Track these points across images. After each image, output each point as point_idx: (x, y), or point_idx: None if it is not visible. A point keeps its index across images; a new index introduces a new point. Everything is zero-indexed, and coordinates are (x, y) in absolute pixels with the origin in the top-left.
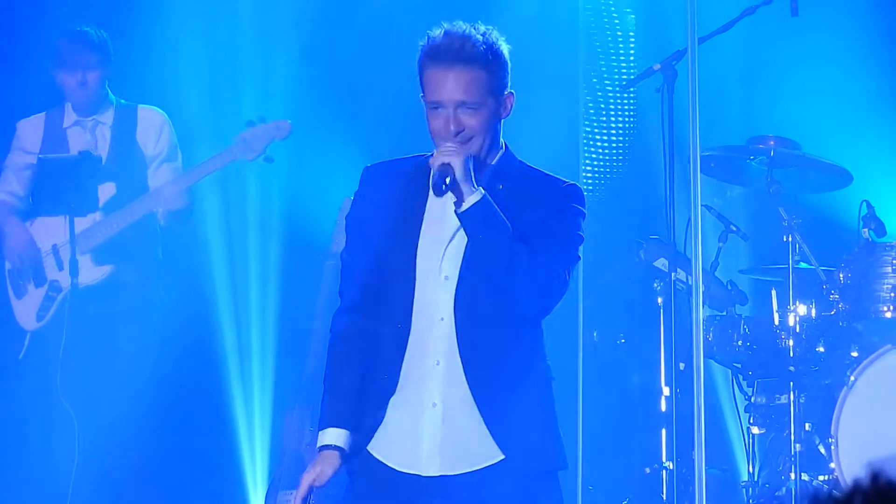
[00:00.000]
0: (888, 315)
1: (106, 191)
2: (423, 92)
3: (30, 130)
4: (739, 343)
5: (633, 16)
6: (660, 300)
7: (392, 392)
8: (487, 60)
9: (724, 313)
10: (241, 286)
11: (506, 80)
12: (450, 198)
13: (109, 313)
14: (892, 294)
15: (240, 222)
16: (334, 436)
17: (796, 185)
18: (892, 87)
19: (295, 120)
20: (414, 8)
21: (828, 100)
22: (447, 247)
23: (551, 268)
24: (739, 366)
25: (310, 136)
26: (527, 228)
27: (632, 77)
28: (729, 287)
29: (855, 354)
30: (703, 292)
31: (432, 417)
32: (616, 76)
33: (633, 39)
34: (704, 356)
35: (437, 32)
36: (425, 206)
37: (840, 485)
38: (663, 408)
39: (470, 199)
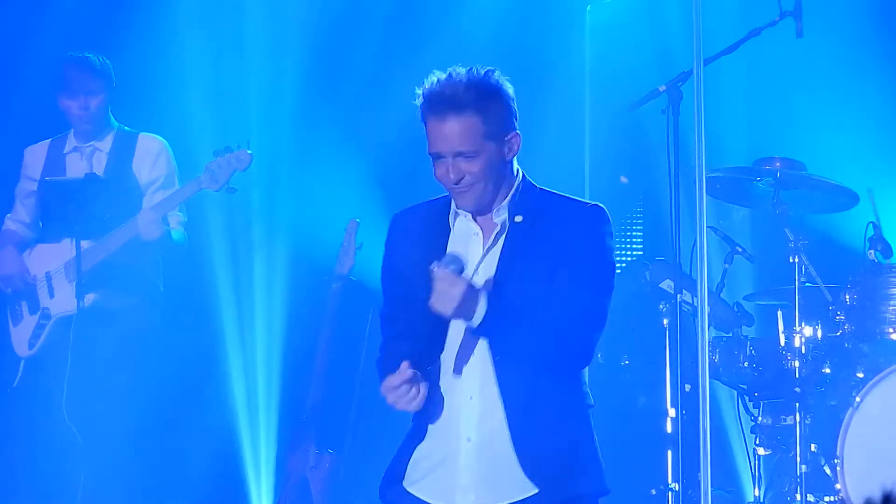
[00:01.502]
0: (894, 336)
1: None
2: (428, 142)
3: (34, 157)
4: (745, 364)
5: (639, 38)
6: (665, 321)
7: (425, 430)
8: (481, 106)
9: (730, 334)
10: (247, 308)
11: (507, 123)
12: (471, 240)
13: (110, 337)
14: None
15: (244, 244)
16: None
17: (802, 206)
18: None
19: (301, 142)
20: (421, 29)
21: (834, 121)
22: (480, 289)
23: (586, 318)
24: (745, 387)
25: (315, 158)
26: (555, 263)
27: (637, 99)
28: (735, 308)
29: (861, 375)
30: (708, 314)
31: (467, 452)
32: (621, 98)
33: (639, 61)
34: (710, 377)
35: (432, 80)
36: (446, 244)
37: None
38: (669, 429)
39: (473, 323)
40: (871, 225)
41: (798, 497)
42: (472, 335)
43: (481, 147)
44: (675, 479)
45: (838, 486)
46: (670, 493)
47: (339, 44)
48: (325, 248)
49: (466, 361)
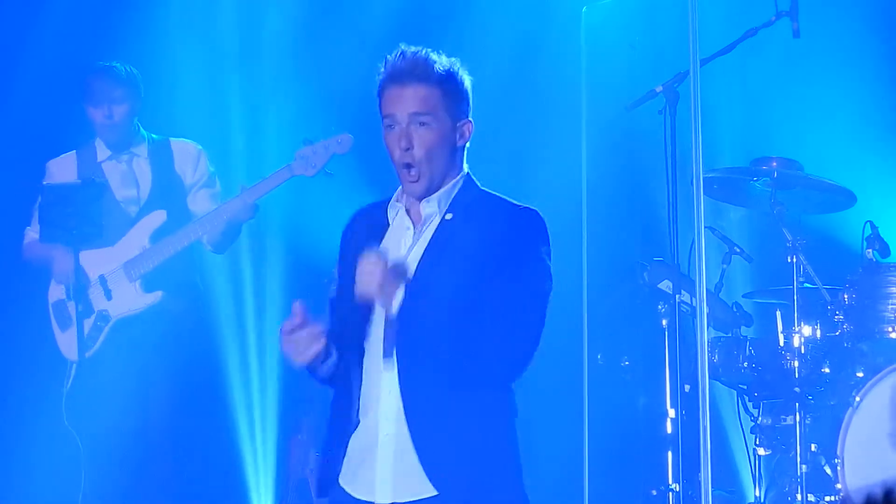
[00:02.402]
0: (893, 335)
1: (155, 219)
2: (380, 111)
3: (62, 169)
4: (745, 364)
5: (635, 38)
6: (664, 322)
7: (355, 425)
8: (443, 80)
9: (729, 335)
10: (247, 309)
11: (463, 108)
12: (403, 235)
13: (155, 339)
14: None
15: (242, 245)
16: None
17: (800, 206)
18: (895, 108)
19: (299, 140)
20: (417, 31)
21: (831, 120)
22: None
23: (516, 331)
24: (745, 387)
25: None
26: (481, 265)
27: (634, 100)
28: (734, 309)
29: (860, 375)
30: (707, 314)
31: (385, 446)
32: (618, 99)
33: (635, 62)
34: (710, 378)
35: (394, 55)
36: (380, 244)
37: None
38: (669, 430)
39: (393, 305)
40: (868, 224)
41: (799, 497)
42: (389, 327)
43: (437, 116)
44: (676, 480)
45: (839, 485)
46: (671, 493)
47: (337, 45)
48: (323, 249)
49: (387, 355)
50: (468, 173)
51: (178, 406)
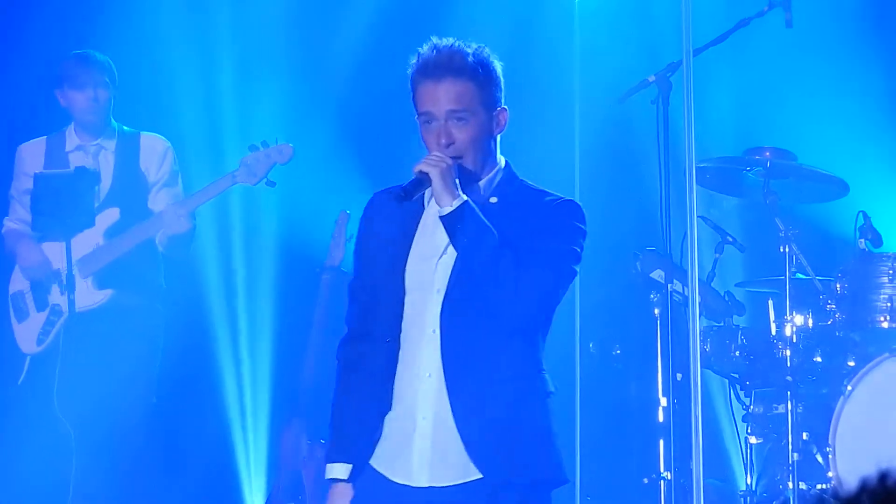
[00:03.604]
0: (885, 325)
1: (109, 216)
2: (416, 107)
3: (32, 154)
4: (737, 353)
5: (628, 28)
6: (656, 311)
7: (389, 408)
8: (477, 73)
9: (721, 324)
10: (237, 301)
11: (497, 96)
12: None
13: (109, 335)
14: (889, 304)
15: (235, 236)
16: (344, 470)
17: (793, 195)
18: (889, 98)
19: (290, 133)
20: (408, 23)
21: (824, 110)
22: (439, 260)
23: (538, 277)
24: (737, 376)
25: (306, 149)
26: (519, 242)
27: (627, 90)
28: (726, 298)
29: (852, 364)
30: (699, 303)
31: (423, 429)
32: (611, 89)
33: (628, 52)
34: (702, 367)
35: (426, 48)
36: (418, 222)
37: (839, 492)
38: (661, 418)
39: (453, 204)
40: (861, 214)
41: (790, 485)
42: (432, 245)
43: (474, 111)
44: (668, 468)
45: (830, 473)
46: (662, 481)
47: (329, 35)
48: (315, 240)
49: (423, 335)
50: (508, 162)
51: (133, 401)
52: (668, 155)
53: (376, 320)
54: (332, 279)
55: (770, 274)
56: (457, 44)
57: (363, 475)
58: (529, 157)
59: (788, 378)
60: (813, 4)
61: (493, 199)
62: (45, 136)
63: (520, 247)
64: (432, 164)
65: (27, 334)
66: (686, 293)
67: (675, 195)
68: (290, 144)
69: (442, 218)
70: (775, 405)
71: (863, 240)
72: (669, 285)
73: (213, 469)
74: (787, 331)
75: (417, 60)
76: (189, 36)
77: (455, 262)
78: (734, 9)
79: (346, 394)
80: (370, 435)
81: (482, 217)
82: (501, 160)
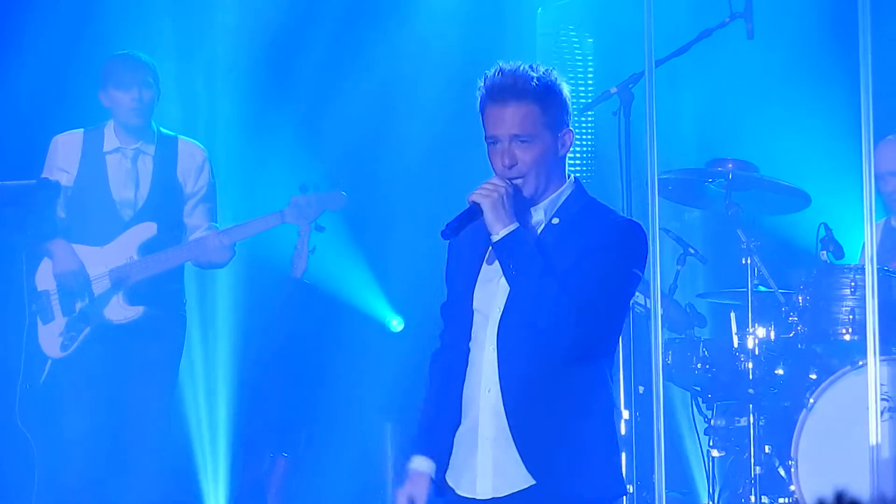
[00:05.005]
0: (847, 337)
1: (146, 230)
2: (484, 130)
3: (68, 148)
4: (699, 366)
5: (590, 39)
6: None
7: (458, 422)
8: (541, 96)
9: (683, 336)
10: (201, 312)
11: (563, 118)
12: None
13: (138, 350)
14: (851, 316)
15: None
16: (426, 464)
17: (755, 207)
18: (850, 110)
19: (255, 142)
20: (372, 30)
21: (786, 122)
22: (500, 281)
23: (585, 305)
24: (699, 388)
25: (269, 159)
26: (575, 265)
27: (589, 101)
28: (688, 310)
29: (814, 377)
30: (661, 315)
31: (484, 443)
32: (573, 100)
33: (590, 63)
34: (664, 379)
35: (493, 71)
36: (488, 246)
37: None
38: (623, 431)
39: (501, 233)
40: (822, 226)
41: (752, 498)
42: (496, 267)
43: (537, 134)
44: (630, 481)
45: (792, 487)
46: (624, 495)
47: (292, 44)
48: (278, 252)
49: (484, 353)
50: (576, 180)
51: (146, 417)
52: (630, 166)
53: (455, 338)
54: (295, 291)
55: (732, 286)
56: (522, 67)
57: (440, 489)
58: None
59: (751, 391)
60: (774, 16)
61: (556, 220)
62: (82, 130)
63: (572, 271)
64: (483, 195)
65: (51, 338)
66: (648, 305)
67: (638, 206)
68: (344, 192)
69: (493, 245)
70: (737, 418)
71: (824, 251)
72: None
73: (176, 479)
74: (750, 343)
75: (484, 84)
76: (152, 31)
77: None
78: (696, 20)
79: (434, 399)
80: (447, 446)
81: (530, 245)
82: (570, 179)
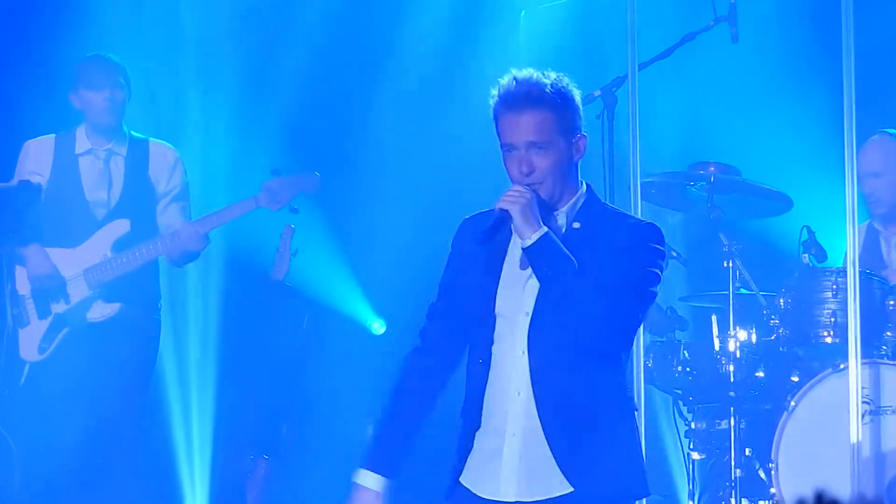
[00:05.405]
0: (828, 340)
1: (118, 227)
2: (499, 137)
3: (39, 152)
4: (679, 369)
5: (573, 43)
6: None
7: (478, 425)
8: (556, 103)
9: (664, 339)
10: (181, 314)
11: (576, 123)
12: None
13: (114, 347)
14: (833, 319)
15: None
16: (373, 480)
17: (737, 210)
18: (833, 113)
19: (236, 144)
20: (355, 34)
21: (768, 126)
22: (525, 284)
23: (616, 304)
24: (680, 391)
25: (251, 161)
26: (600, 266)
27: None
28: (669, 313)
29: (795, 379)
30: None
31: (511, 446)
32: None
33: (574, 66)
34: (645, 382)
35: (507, 80)
36: (507, 249)
37: None
38: None
39: (533, 237)
40: (805, 229)
41: (733, 501)
42: (519, 271)
43: (553, 140)
44: None
45: (773, 490)
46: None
47: (274, 46)
48: (260, 254)
49: (512, 356)
50: (589, 186)
51: (126, 415)
52: (612, 169)
53: (463, 342)
54: (277, 293)
55: (713, 289)
56: (535, 75)
57: (453, 492)
58: (474, 174)
59: (731, 393)
60: (758, 20)
61: (576, 225)
62: (53, 135)
63: (601, 271)
64: (511, 201)
65: (28, 342)
66: None
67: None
68: (317, 173)
69: (524, 249)
70: (718, 421)
71: (807, 255)
72: None
73: (155, 482)
74: (731, 346)
75: (498, 92)
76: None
77: (540, 288)
78: (680, 23)
79: (403, 408)
80: (462, 449)
81: (561, 246)
82: (583, 185)
